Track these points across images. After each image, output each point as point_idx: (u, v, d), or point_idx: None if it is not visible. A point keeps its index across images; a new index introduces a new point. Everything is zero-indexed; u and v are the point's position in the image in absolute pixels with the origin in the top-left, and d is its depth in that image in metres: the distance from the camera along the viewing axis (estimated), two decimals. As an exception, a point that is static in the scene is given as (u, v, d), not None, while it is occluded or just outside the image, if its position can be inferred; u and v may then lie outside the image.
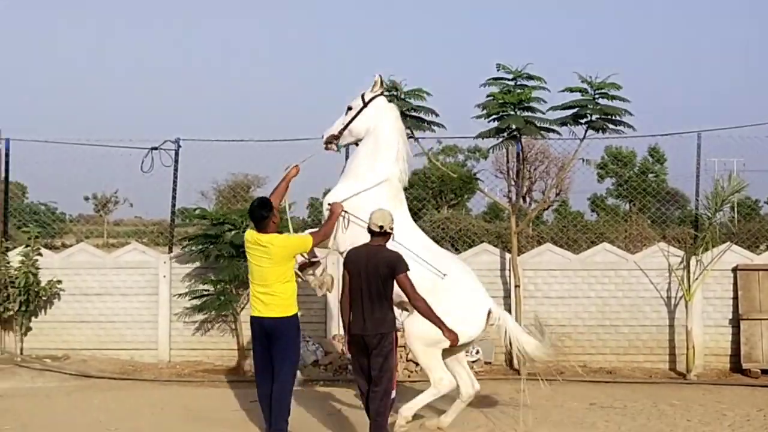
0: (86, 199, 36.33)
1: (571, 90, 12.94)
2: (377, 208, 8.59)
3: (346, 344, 8.59)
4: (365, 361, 8.34)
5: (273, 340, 8.65)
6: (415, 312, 8.66)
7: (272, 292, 8.65)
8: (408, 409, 9.10)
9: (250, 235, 8.75)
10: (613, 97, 12.87)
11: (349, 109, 9.97)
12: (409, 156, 10.16)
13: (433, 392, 9.19)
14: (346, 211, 9.32)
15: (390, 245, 8.48)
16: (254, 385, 9.29)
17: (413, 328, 9.03)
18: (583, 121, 13.11)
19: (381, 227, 8.35)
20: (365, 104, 9.90)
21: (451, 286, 9.14)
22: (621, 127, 13.10)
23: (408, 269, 8.28)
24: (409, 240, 9.15)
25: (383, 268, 8.22)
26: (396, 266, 8.23)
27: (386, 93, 12.86)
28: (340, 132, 9.95)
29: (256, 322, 8.75)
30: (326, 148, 10.14)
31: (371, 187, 9.49)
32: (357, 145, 10.14)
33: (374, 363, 8.26)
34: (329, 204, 9.48)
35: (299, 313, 8.87)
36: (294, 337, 8.82)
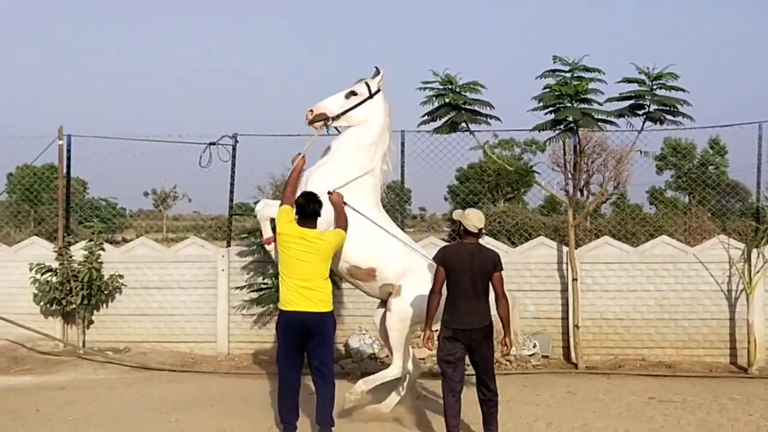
0: (146, 194, 36.89)
1: (628, 80, 12.80)
2: (471, 209, 8.81)
3: (440, 339, 8.61)
4: (464, 354, 8.51)
5: (312, 335, 8.61)
6: (402, 293, 9.36)
7: (314, 287, 8.61)
8: (366, 383, 9.48)
9: (293, 228, 8.65)
10: (672, 88, 12.70)
11: (353, 94, 9.72)
12: (392, 156, 10.25)
13: (394, 373, 9.54)
14: (345, 202, 9.33)
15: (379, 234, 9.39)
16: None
17: (401, 307, 9.36)
18: (640, 112, 12.96)
19: (480, 228, 8.59)
20: (371, 95, 9.73)
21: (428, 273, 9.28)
22: (680, 118, 12.92)
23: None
24: (396, 232, 9.84)
25: (489, 265, 8.46)
26: (498, 263, 8.52)
27: (440, 86, 12.99)
28: (338, 115, 9.68)
29: (294, 316, 8.56)
30: (312, 125, 9.73)
31: (357, 177, 9.50)
32: (338, 130, 9.95)
33: (480, 354, 8.52)
34: (329, 193, 9.27)
35: None
36: (333, 332, 8.95)
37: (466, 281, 8.37)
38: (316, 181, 9.39)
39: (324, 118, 9.63)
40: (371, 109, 9.69)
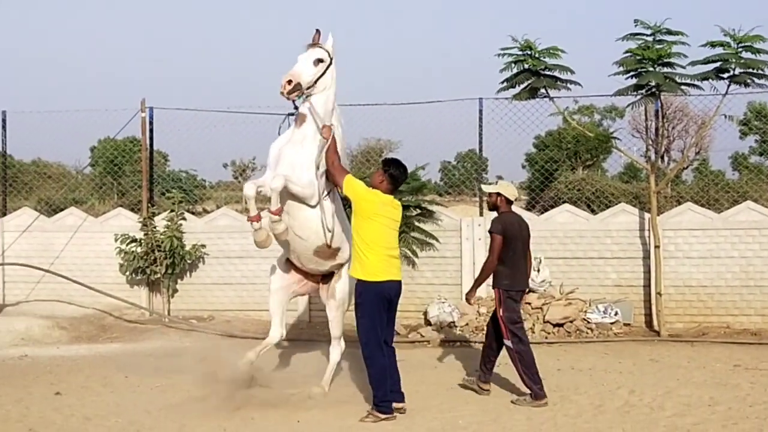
0: (225, 166, 37.18)
1: (712, 44, 12.54)
2: (502, 181, 9.59)
3: (505, 303, 9.00)
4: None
5: (393, 306, 8.63)
6: (342, 276, 9.39)
7: (397, 256, 8.67)
8: (255, 352, 9.36)
9: (380, 196, 8.47)
10: (758, 51, 12.41)
11: (320, 61, 9.05)
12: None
13: (340, 350, 9.80)
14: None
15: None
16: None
17: (347, 288, 9.35)
18: (725, 75, 12.69)
19: (516, 197, 9.34)
20: (331, 60, 9.17)
21: None
22: (765, 82, 12.64)
23: None
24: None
25: (527, 232, 9.33)
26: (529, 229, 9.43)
27: (519, 52, 12.91)
28: (312, 84, 9.04)
29: (389, 286, 8.44)
30: (288, 98, 9.07)
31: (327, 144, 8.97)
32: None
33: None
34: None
35: None
36: None
37: (519, 247, 9.14)
38: (308, 154, 9.06)
39: (299, 88, 8.98)
40: (332, 75, 9.21)
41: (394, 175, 8.61)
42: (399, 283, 8.58)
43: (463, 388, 9.59)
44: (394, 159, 8.95)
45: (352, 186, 8.52)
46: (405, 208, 10.96)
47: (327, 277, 9.58)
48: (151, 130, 15.96)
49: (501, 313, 9.00)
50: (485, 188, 9.72)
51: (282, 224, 8.79)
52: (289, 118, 15.13)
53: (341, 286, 9.42)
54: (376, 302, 8.39)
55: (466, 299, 9.59)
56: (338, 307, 9.55)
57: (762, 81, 12.65)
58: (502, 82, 13.22)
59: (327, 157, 8.82)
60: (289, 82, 8.87)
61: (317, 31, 9.17)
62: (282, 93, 8.91)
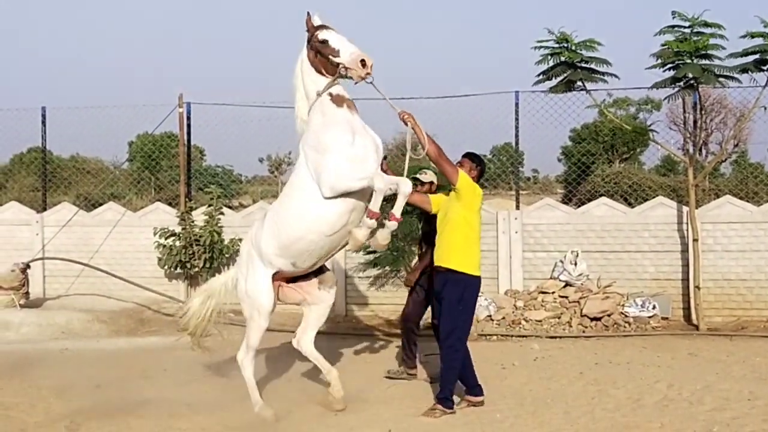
0: (260, 160, 37.40)
1: (752, 35, 12.40)
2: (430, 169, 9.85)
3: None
4: None
5: None
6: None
7: None
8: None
9: (480, 189, 8.47)
10: (799, 42, 12.27)
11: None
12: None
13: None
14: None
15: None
16: (428, 339, 9.55)
17: None
18: (765, 67, 12.56)
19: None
20: None
21: None
22: (806, 73, 12.50)
23: None
24: None
25: None
26: None
27: (555, 45, 12.86)
28: None
29: (478, 279, 8.45)
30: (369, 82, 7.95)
31: None
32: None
33: None
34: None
35: None
36: None
37: None
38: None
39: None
40: None
41: (483, 169, 8.78)
42: None
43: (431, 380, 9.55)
44: (474, 153, 8.88)
45: (467, 179, 8.29)
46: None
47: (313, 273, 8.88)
48: (189, 126, 16.08)
49: None
50: (422, 177, 9.62)
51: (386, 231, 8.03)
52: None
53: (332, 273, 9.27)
54: (476, 297, 8.54)
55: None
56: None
57: (803, 72, 12.50)
58: (538, 75, 13.18)
59: (430, 149, 8.13)
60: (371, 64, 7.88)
61: (308, 13, 8.25)
62: (367, 75, 7.80)
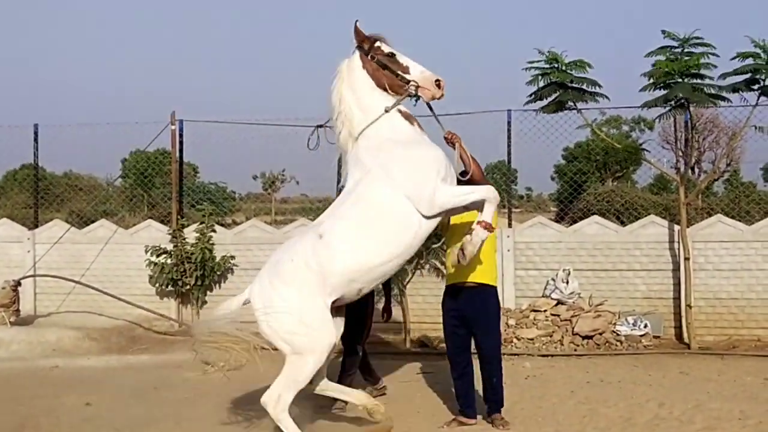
0: (254, 177, 37.40)
1: (743, 56, 12.47)
2: None
3: None
4: None
5: None
6: None
7: None
8: None
9: None
10: (789, 62, 12.33)
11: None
12: (342, 118, 8.07)
13: None
14: None
15: None
16: (419, 358, 9.53)
17: None
18: (756, 86, 12.62)
19: None
20: None
21: None
22: (796, 93, 12.56)
23: None
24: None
25: None
26: None
27: (546, 65, 12.89)
28: None
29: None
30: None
31: None
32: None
33: None
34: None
35: None
36: None
37: None
38: None
39: None
40: None
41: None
42: None
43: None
44: None
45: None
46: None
47: None
48: (181, 143, 16.09)
49: None
50: None
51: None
52: (318, 130, 15.32)
53: None
54: None
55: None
56: None
57: (793, 92, 12.56)
58: (530, 95, 13.22)
59: (475, 170, 8.12)
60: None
61: (357, 23, 7.99)
62: (441, 97, 7.89)
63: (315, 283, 7.25)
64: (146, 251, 14.87)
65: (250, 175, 34.81)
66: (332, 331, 7.36)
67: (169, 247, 14.93)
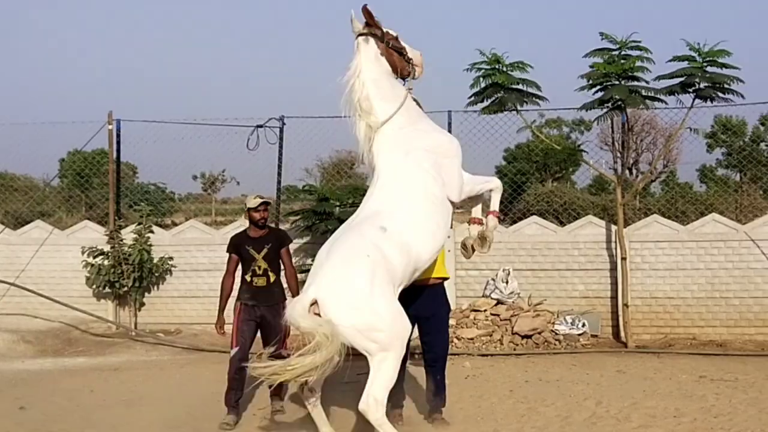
0: (194, 178, 37.00)
1: (679, 59, 12.67)
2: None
3: None
4: None
5: None
6: None
7: None
8: None
9: None
10: (723, 65, 12.55)
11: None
12: (361, 107, 7.51)
13: None
14: None
15: None
16: (362, 358, 9.43)
17: None
18: (691, 89, 12.83)
19: None
20: None
21: None
22: (730, 96, 12.78)
23: None
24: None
25: None
26: None
27: (487, 67, 12.95)
28: None
29: None
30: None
31: None
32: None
33: None
34: None
35: None
36: None
37: None
38: None
39: None
40: None
41: None
42: None
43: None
44: None
45: None
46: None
47: None
48: (119, 143, 15.88)
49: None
50: (255, 201, 8.96)
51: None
52: (258, 130, 15.27)
53: None
54: None
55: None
56: None
57: (727, 95, 12.78)
58: (471, 96, 13.28)
59: None
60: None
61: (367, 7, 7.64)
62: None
63: (389, 277, 6.89)
64: (83, 252, 14.65)
65: (189, 175, 34.47)
66: (408, 321, 6.98)
67: (107, 248, 14.72)
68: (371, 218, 7.11)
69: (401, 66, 7.69)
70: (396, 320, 6.77)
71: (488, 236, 7.74)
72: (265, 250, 8.95)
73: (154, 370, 12.03)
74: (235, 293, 9.14)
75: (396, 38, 7.72)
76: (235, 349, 8.77)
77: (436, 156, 7.44)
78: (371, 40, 7.58)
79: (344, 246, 6.91)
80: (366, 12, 7.55)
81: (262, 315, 8.88)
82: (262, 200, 8.97)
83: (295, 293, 8.77)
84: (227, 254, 9.15)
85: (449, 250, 14.30)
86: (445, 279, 8.56)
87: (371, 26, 7.60)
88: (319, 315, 6.44)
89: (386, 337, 6.70)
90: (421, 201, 7.22)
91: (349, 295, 6.63)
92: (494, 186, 7.88)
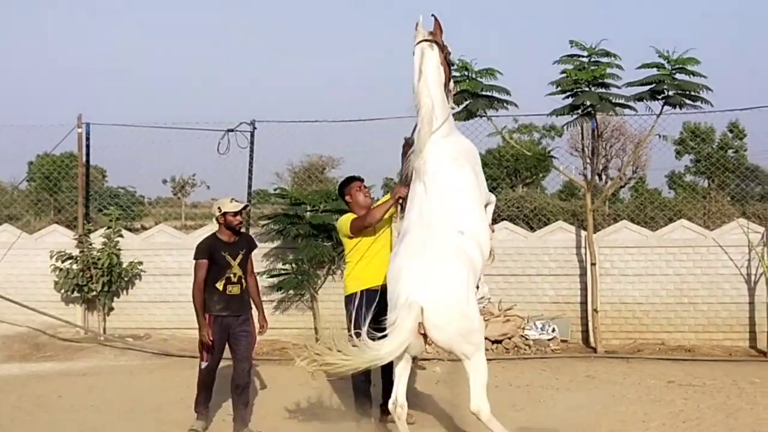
0: (164, 182, 36.97)
1: (648, 66, 12.78)
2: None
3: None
4: None
5: None
6: None
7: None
8: None
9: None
10: (692, 73, 12.66)
11: None
12: (428, 115, 7.53)
13: None
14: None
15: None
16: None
17: None
18: (660, 96, 12.93)
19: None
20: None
21: None
22: (699, 103, 12.90)
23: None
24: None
25: None
26: None
27: (456, 73, 12.95)
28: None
29: None
30: None
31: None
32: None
33: None
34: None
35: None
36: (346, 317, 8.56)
37: None
38: None
39: None
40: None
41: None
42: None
43: None
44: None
45: None
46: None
47: None
48: (88, 146, 15.74)
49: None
50: (236, 205, 8.72)
51: None
52: (229, 134, 15.22)
53: None
54: None
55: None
56: None
57: (695, 102, 12.89)
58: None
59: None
60: None
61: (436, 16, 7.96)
62: None
63: (475, 278, 7.30)
64: (51, 256, 14.51)
65: (159, 179, 34.38)
66: None
67: (75, 252, 14.59)
68: (444, 221, 7.34)
69: (448, 79, 7.97)
70: (481, 319, 7.27)
71: (492, 248, 7.91)
72: (240, 256, 8.66)
73: (123, 375, 11.96)
74: None
75: (450, 53, 8.02)
76: (206, 363, 8.56)
77: (472, 163, 7.81)
78: (435, 48, 7.78)
79: (435, 252, 7.12)
80: (437, 22, 7.87)
81: (229, 324, 8.54)
82: (243, 204, 8.91)
83: (259, 303, 8.80)
84: (197, 261, 8.54)
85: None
86: None
87: (435, 35, 7.85)
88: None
89: (480, 336, 7.17)
90: (477, 203, 7.67)
91: (456, 303, 6.91)
92: (493, 199, 8.24)
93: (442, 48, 7.85)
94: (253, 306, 8.81)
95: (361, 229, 8.49)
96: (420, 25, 7.82)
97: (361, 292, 8.25)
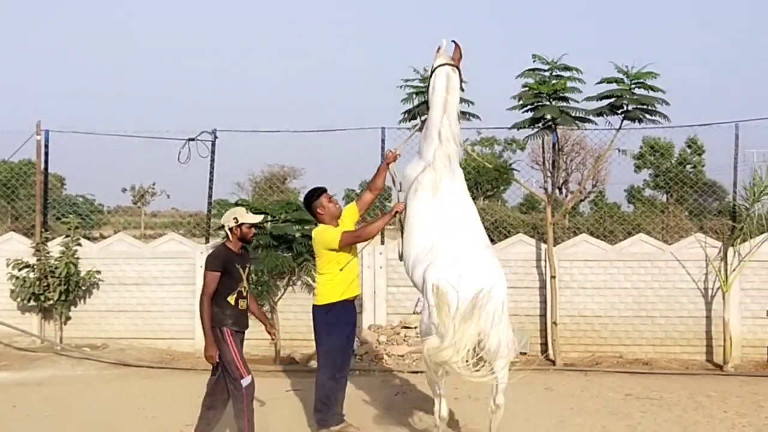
0: (124, 190, 36.68)
1: (608, 81, 12.89)
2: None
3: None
4: None
5: None
6: None
7: (317, 282, 8.95)
8: None
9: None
10: (651, 87, 12.80)
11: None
12: (454, 134, 8.34)
13: None
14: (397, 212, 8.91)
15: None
16: (289, 375, 9.40)
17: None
18: (619, 111, 13.05)
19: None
20: (431, 74, 8.51)
21: None
22: (658, 117, 13.03)
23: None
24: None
25: None
26: None
27: (420, 84, 12.96)
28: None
29: None
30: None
31: (413, 177, 8.61)
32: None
33: None
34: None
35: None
36: (316, 327, 8.69)
37: None
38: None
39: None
40: (430, 89, 8.52)
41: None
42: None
43: None
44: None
45: None
46: (308, 237, 10.90)
47: None
48: (47, 153, 15.59)
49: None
50: (256, 217, 8.38)
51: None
52: (189, 144, 15.13)
53: None
54: None
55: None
56: None
57: (654, 117, 13.02)
58: (404, 113, 13.33)
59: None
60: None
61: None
62: None
63: None
64: (8, 264, 14.35)
65: (119, 187, 34.10)
66: None
67: (32, 260, 14.43)
68: (472, 234, 8.27)
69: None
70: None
71: None
72: (247, 270, 8.22)
73: (80, 386, 11.82)
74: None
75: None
76: (249, 377, 8.06)
77: None
78: (457, 72, 8.38)
79: (484, 258, 8.16)
80: (458, 48, 8.45)
81: (241, 339, 8.13)
82: (262, 216, 8.97)
83: (262, 315, 8.79)
84: (210, 272, 7.89)
85: (381, 267, 14.37)
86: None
87: (455, 60, 8.43)
88: None
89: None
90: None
91: (505, 305, 8.15)
92: None
93: (460, 74, 8.40)
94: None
95: (353, 243, 8.83)
96: (444, 48, 8.42)
97: (340, 302, 8.72)
